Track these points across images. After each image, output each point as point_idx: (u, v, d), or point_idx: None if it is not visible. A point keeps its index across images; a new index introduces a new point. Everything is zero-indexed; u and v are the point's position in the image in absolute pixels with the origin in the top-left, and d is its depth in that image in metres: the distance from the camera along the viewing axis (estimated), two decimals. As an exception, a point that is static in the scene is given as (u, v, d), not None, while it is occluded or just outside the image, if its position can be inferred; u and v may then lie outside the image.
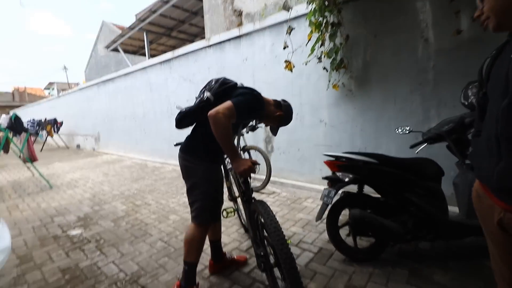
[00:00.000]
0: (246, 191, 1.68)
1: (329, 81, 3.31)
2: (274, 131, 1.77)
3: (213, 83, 1.63)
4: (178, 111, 1.67)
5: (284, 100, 1.73)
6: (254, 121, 2.00)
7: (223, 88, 1.58)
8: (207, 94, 1.57)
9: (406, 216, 1.89)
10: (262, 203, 1.50)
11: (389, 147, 3.11)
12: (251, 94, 1.53)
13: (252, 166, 1.44)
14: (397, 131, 2.27)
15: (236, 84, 1.65)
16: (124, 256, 2.25)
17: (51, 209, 3.55)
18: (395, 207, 1.93)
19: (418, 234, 1.87)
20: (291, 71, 3.24)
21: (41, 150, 10.97)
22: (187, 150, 1.63)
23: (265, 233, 1.53)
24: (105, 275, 1.98)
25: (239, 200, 2.55)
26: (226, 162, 2.24)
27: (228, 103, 1.40)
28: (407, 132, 2.22)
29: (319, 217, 1.97)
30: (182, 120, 1.64)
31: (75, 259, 2.23)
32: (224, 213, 2.08)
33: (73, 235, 2.70)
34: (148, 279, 1.90)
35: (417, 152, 2.13)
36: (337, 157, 2.03)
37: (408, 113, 2.95)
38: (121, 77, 7.98)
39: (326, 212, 2.01)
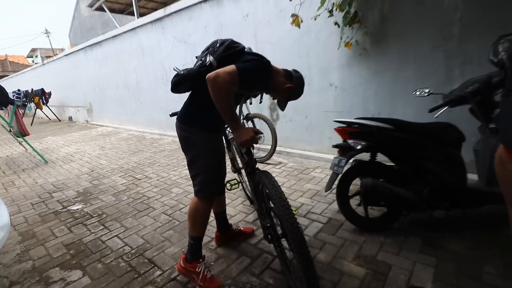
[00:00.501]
0: (250, 162, 1.70)
1: (341, 39, 3.18)
2: (282, 106, 1.71)
3: (217, 45, 1.56)
4: (174, 73, 1.63)
5: (295, 71, 1.66)
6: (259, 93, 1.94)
7: (228, 53, 1.52)
8: (209, 58, 1.52)
9: (421, 184, 1.92)
10: (265, 173, 1.52)
11: (405, 111, 3.07)
12: (259, 61, 1.47)
13: (255, 135, 1.43)
14: (415, 94, 2.23)
15: (244, 48, 1.58)
16: (128, 230, 2.36)
17: (48, 184, 3.68)
18: (410, 176, 1.95)
19: (434, 203, 1.91)
20: (299, 27, 3.10)
21: (31, 124, 11.08)
22: (185, 119, 1.61)
23: (271, 204, 1.59)
24: (110, 249, 2.10)
25: (243, 171, 2.60)
26: (227, 131, 2.25)
27: (230, 67, 1.35)
28: (426, 94, 2.17)
29: (328, 187, 2.00)
30: (179, 83, 1.60)
31: (79, 234, 2.35)
32: (228, 185, 2.12)
33: (74, 210, 2.82)
34: (154, 252, 2.02)
35: (436, 117, 2.10)
36: (348, 123, 2.02)
37: (429, 73, 2.87)
38: (109, 40, 7.77)
39: (336, 182, 2.04)
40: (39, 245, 2.23)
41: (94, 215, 2.68)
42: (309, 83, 3.81)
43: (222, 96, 1.34)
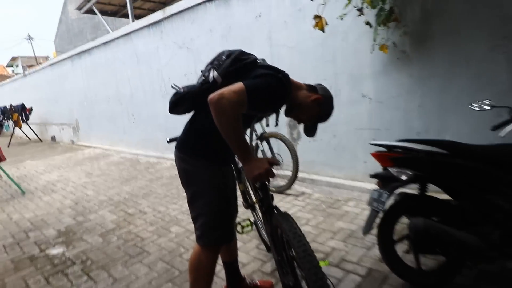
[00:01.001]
0: (265, 200, 1.66)
1: (374, 41, 3.15)
2: (311, 131, 1.67)
3: (224, 57, 1.55)
4: (174, 91, 1.63)
5: (319, 84, 1.64)
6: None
7: (236, 67, 1.49)
8: (213, 73, 1.51)
9: (489, 226, 1.81)
10: (285, 216, 1.47)
11: (460, 129, 2.99)
12: (274, 76, 1.43)
13: (270, 168, 1.37)
14: (472, 107, 2.15)
15: (255, 60, 1.55)
16: (117, 282, 2.31)
17: (24, 221, 3.71)
18: (473, 214, 1.85)
19: (506, 250, 1.78)
20: (323, 30, 3.11)
21: (8, 146, 11.46)
22: (184, 148, 1.60)
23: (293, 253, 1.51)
24: (94, 307, 2.05)
25: (257, 207, 2.53)
26: (237, 159, 2.22)
27: (237, 85, 1.31)
28: (487, 107, 2.08)
29: (367, 228, 1.93)
30: (178, 103, 1.60)
31: (58, 287, 2.31)
32: (239, 227, 2.08)
33: (54, 255, 2.81)
34: (148, 313, 1.95)
35: (504, 136, 2.00)
36: (389, 147, 1.98)
37: (487, 80, 2.81)
38: (99, 47, 8.07)
39: (377, 221, 1.96)
40: (10, 301, 2.21)
41: (77, 261, 2.65)
42: (336, 95, 3.77)
43: (227, 121, 1.29)
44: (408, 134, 3.26)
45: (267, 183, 1.67)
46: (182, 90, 1.59)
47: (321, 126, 4.32)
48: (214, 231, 1.58)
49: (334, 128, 3.88)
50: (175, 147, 1.64)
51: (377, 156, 2.00)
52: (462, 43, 2.89)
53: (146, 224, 3.28)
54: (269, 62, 4.54)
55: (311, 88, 1.61)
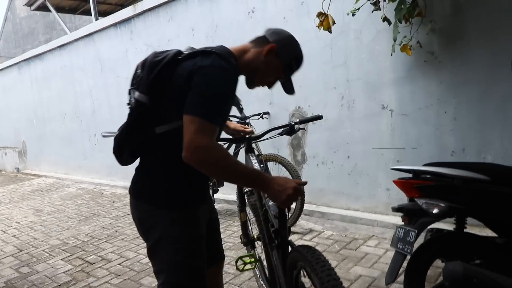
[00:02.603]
0: (281, 231, 1.70)
1: (395, 40, 3.21)
2: (288, 87, 1.71)
3: (138, 71, 1.54)
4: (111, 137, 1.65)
5: (268, 29, 1.68)
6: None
7: (155, 73, 1.44)
8: (135, 95, 1.50)
9: (546, 270, 1.81)
10: (310, 249, 1.48)
11: (506, 147, 3.02)
12: (212, 72, 1.39)
13: (297, 186, 1.43)
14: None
15: (176, 54, 1.48)
16: None
17: (-47, 274, 3.63)
18: (525, 255, 1.85)
19: None
20: (330, 31, 3.16)
21: None
22: (138, 194, 1.61)
23: None
24: None
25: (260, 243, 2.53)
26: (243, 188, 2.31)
27: (193, 122, 1.33)
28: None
29: (391, 276, 1.93)
30: (122, 151, 1.60)
31: None
32: (240, 262, 2.15)
33: (-10, 319, 2.75)
34: None
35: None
36: (416, 173, 2.00)
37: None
38: (54, 52, 8.16)
39: (404, 266, 1.95)
40: None
41: (19, 327, 2.59)
42: (349, 106, 3.82)
43: (219, 169, 1.38)
44: (440, 154, 3.28)
45: (286, 211, 1.71)
46: (113, 134, 1.62)
47: (330, 145, 4.36)
48: None
49: (347, 148, 3.91)
50: (130, 193, 1.64)
51: (401, 184, 2.02)
52: (504, 40, 2.95)
53: (110, 276, 3.23)
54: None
55: (258, 40, 1.63)
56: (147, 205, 1.57)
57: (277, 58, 1.59)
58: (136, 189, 1.62)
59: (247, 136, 2.21)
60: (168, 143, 1.49)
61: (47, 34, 17.26)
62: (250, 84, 1.69)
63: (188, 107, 1.35)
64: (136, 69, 1.55)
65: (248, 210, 2.40)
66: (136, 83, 1.53)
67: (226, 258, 3.25)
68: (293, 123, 2.24)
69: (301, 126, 2.24)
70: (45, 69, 8.53)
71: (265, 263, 2.35)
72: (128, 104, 1.57)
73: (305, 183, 1.52)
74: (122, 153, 1.60)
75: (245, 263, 2.15)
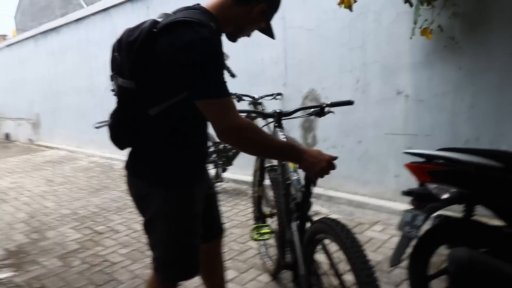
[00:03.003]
0: (304, 204, 1.75)
1: (415, 23, 3.17)
2: (269, 33, 1.70)
3: (116, 53, 1.49)
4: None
5: None
6: None
7: (134, 56, 1.37)
8: (119, 81, 1.45)
9: (553, 261, 1.79)
10: (339, 223, 1.53)
11: (521, 137, 2.98)
12: (204, 48, 1.32)
13: (332, 160, 1.50)
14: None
15: (151, 26, 1.37)
16: (76, 316, 2.32)
17: (-34, 237, 3.73)
18: (533, 245, 1.83)
19: None
20: (350, 9, 3.13)
21: (-48, 143, 11.56)
22: (135, 171, 1.62)
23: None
24: None
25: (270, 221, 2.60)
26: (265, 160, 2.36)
27: (211, 105, 1.35)
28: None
29: (396, 259, 1.93)
30: (118, 137, 1.61)
31: (2, 319, 2.33)
32: (256, 233, 2.22)
33: (0, 280, 2.81)
34: None
35: None
36: (429, 157, 1.99)
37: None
38: (70, 25, 8.19)
39: (408, 251, 1.96)
40: None
41: (27, 289, 2.66)
42: (364, 90, 3.80)
43: (252, 139, 1.40)
44: (454, 142, 3.27)
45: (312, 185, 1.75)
46: (106, 123, 1.61)
47: (341, 129, 4.36)
48: (172, 267, 1.61)
49: (359, 132, 3.90)
50: (126, 170, 1.65)
51: (413, 168, 2.00)
52: (526, 28, 2.90)
53: (118, 246, 3.28)
54: (279, 49, 4.64)
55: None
56: (144, 182, 1.57)
57: (263, 16, 1.56)
58: (133, 167, 1.62)
59: (276, 111, 2.19)
60: (163, 122, 1.49)
61: (64, 9, 17.30)
62: (233, 39, 1.66)
63: (196, 92, 1.34)
64: (113, 51, 1.51)
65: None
66: (116, 67, 1.49)
67: (230, 235, 3.34)
68: (325, 105, 2.21)
69: (332, 109, 2.19)
70: (61, 43, 8.57)
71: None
72: (113, 90, 1.54)
73: (337, 157, 1.53)
74: (120, 139, 1.60)
75: (260, 234, 2.20)
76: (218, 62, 1.38)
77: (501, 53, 3.03)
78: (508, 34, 2.97)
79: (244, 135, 1.37)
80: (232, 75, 3.89)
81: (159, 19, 1.41)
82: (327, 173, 1.49)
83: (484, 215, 1.96)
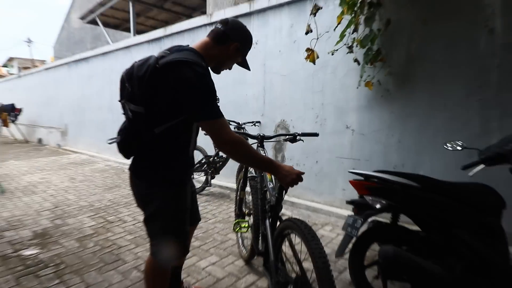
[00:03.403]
0: (276, 206, 1.80)
1: (361, 77, 3.29)
2: (245, 66, 1.77)
3: (127, 84, 1.49)
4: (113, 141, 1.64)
5: (222, 21, 1.62)
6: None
7: (145, 87, 1.41)
8: (131, 107, 1.48)
9: (453, 258, 1.86)
10: (303, 222, 1.59)
11: (434, 166, 3.08)
12: (202, 82, 1.37)
13: (300, 174, 1.55)
14: (445, 147, 2.24)
15: (155, 62, 1.40)
16: (89, 287, 2.26)
17: (1, 220, 3.60)
18: (439, 246, 1.90)
19: (469, 283, 1.83)
20: (314, 63, 3.23)
21: (-7, 143, 11.15)
22: (139, 174, 1.60)
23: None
24: (64, 311, 2.00)
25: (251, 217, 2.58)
26: (248, 171, 2.37)
27: (212, 126, 1.41)
28: (459, 148, 2.18)
29: (340, 251, 1.96)
30: (126, 151, 1.61)
31: (28, 288, 2.25)
32: (237, 226, 2.25)
33: (27, 256, 2.73)
34: (117, 320, 1.91)
35: (472, 176, 2.09)
36: (366, 176, 2.03)
37: (462, 124, 2.93)
38: (98, 57, 8.11)
39: (350, 246, 2.00)
40: (-24, 299, 2.13)
41: (50, 265, 2.58)
42: (322, 124, 3.88)
43: (241, 151, 1.44)
44: (386, 166, 3.34)
45: (284, 193, 1.79)
46: (119, 139, 1.61)
47: (304, 152, 4.37)
48: (169, 250, 1.61)
49: (316, 155, 3.95)
50: (131, 171, 1.63)
51: (355, 184, 2.05)
52: (441, 87, 3.02)
53: (125, 233, 3.24)
54: (260, 88, 4.72)
55: (219, 37, 1.57)
56: (146, 184, 1.57)
57: (238, 52, 1.63)
58: (137, 171, 1.60)
59: (260, 135, 2.23)
60: (165, 138, 1.50)
61: (94, 43, 17.08)
62: (217, 72, 1.69)
63: (201, 115, 1.39)
64: (123, 82, 1.51)
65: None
66: (127, 95, 1.49)
67: (214, 228, 3.34)
68: (297, 134, 2.21)
69: (302, 138, 2.21)
70: (89, 70, 8.45)
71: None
72: (124, 114, 1.56)
73: (304, 173, 1.58)
74: (127, 151, 1.60)
75: (240, 227, 2.23)
76: (212, 92, 1.41)
77: (422, 103, 3.14)
78: (428, 90, 3.09)
79: (237, 147, 1.42)
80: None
81: (159, 56, 1.44)
82: (296, 183, 1.54)
83: (406, 222, 2.01)
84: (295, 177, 1.52)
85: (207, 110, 1.38)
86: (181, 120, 1.47)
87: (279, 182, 1.59)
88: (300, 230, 1.51)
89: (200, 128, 1.59)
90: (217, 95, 1.46)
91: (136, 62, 1.50)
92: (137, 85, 1.42)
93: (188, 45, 1.54)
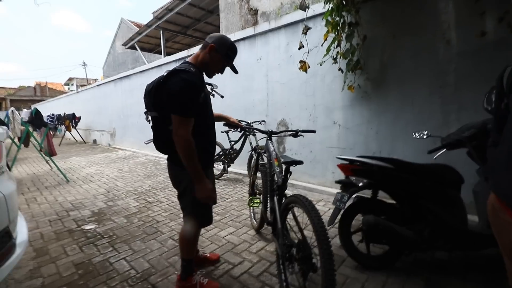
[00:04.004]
0: (283, 186, 1.78)
1: (344, 82, 3.23)
2: (233, 69, 1.70)
3: (145, 99, 1.56)
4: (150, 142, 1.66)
5: (209, 35, 1.61)
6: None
7: (153, 98, 1.49)
8: (151, 114, 1.55)
9: (422, 224, 1.83)
10: (304, 197, 1.55)
11: (405, 151, 3.02)
12: (178, 83, 1.38)
13: (214, 197, 1.54)
14: (414, 136, 2.20)
15: (159, 79, 1.45)
16: (135, 253, 2.28)
17: (67, 203, 3.65)
18: (411, 215, 1.87)
19: (435, 243, 1.80)
20: (306, 72, 3.18)
21: (59, 144, 11.32)
22: (174, 161, 1.61)
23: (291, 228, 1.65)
24: (116, 271, 2.01)
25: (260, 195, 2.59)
26: (260, 159, 2.37)
27: (175, 120, 1.39)
28: (425, 136, 2.14)
29: (331, 221, 1.93)
30: (161, 146, 1.60)
31: (89, 254, 2.28)
32: (251, 202, 2.28)
33: (87, 230, 2.76)
34: (158, 278, 1.92)
35: (435, 158, 2.05)
36: (351, 161, 2.00)
37: (427, 117, 2.86)
38: (137, 74, 8.12)
39: (339, 217, 1.97)
40: (50, 263, 2.16)
41: (105, 236, 2.61)
42: (314, 121, 3.83)
43: (183, 150, 1.40)
44: (366, 152, 3.30)
45: (288, 174, 1.77)
46: (153, 139, 1.64)
47: (301, 143, 4.31)
48: (198, 218, 1.64)
49: (311, 146, 3.91)
50: (168, 159, 1.66)
51: (341, 167, 2.02)
52: (408, 88, 2.96)
53: (161, 211, 3.25)
54: (264, 94, 4.65)
55: (203, 46, 1.58)
56: (178, 167, 1.57)
57: (217, 53, 1.55)
58: (172, 158, 1.61)
59: (269, 131, 2.19)
60: None
61: (133, 64, 17.13)
62: (209, 75, 1.63)
63: (170, 109, 1.40)
64: (144, 98, 1.57)
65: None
66: (147, 106, 1.56)
67: (231, 205, 3.34)
68: (298, 131, 2.18)
69: (302, 134, 2.17)
70: (131, 85, 8.48)
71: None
72: (148, 120, 1.61)
73: (215, 200, 1.63)
74: (161, 148, 1.61)
75: (254, 202, 2.25)
76: (187, 93, 1.39)
77: (394, 101, 3.08)
78: (398, 91, 3.03)
79: (185, 144, 1.38)
80: (221, 96, 3.69)
81: (165, 72, 1.47)
82: (206, 202, 1.52)
83: (383, 197, 1.98)
84: (204, 197, 1.47)
85: (175, 107, 1.38)
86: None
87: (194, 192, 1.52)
88: (303, 203, 1.48)
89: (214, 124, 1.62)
90: (202, 96, 1.44)
91: (152, 81, 1.57)
92: (149, 96, 1.51)
93: (186, 58, 1.61)
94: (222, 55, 1.57)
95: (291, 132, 2.20)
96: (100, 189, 4.32)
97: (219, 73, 1.68)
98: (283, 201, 1.75)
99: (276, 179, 1.90)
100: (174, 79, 1.40)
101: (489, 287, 1.68)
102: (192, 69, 1.46)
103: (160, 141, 1.60)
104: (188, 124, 1.39)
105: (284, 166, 1.78)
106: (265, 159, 2.32)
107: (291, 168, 1.78)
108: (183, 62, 1.54)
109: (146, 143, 1.67)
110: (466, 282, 1.74)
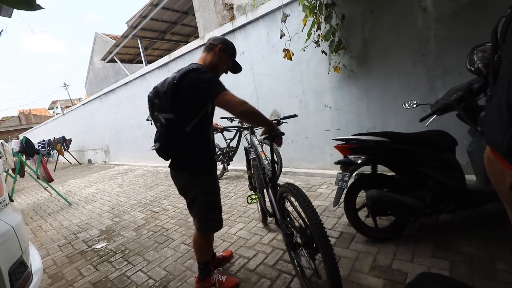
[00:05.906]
0: (273, 177, 1.81)
1: (330, 64, 3.27)
2: (237, 68, 1.75)
3: (156, 100, 1.50)
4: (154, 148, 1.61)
5: (209, 39, 1.66)
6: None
7: (171, 97, 1.45)
8: (163, 115, 1.48)
9: (423, 190, 1.89)
10: (292, 184, 1.57)
11: (398, 123, 3.07)
12: (206, 75, 1.43)
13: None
14: (404, 106, 2.24)
15: (173, 79, 1.45)
16: (150, 263, 2.31)
17: (73, 226, 3.65)
18: (411, 183, 1.92)
19: (438, 207, 1.86)
20: (291, 59, 3.20)
21: (54, 170, 11.22)
22: (178, 167, 1.61)
23: (291, 215, 1.67)
24: (135, 284, 2.05)
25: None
26: (250, 154, 2.37)
27: (223, 98, 1.39)
28: (415, 106, 2.18)
29: (336, 202, 1.97)
30: (166, 153, 1.58)
31: (104, 272, 2.30)
32: (249, 199, 2.25)
33: (99, 249, 2.78)
34: (177, 283, 1.96)
35: (427, 125, 2.10)
36: (346, 140, 2.03)
37: (414, 87, 2.91)
38: (121, 87, 8.05)
39: (343, 196, 2.01)
40: (68, 286, 2.18)
41: (117, 252, 2.63)
42: (305, 106, 3.87)
43: (251, 112, 1.44)
44: (360, 130, 3.34)
45: (276, 166, 1.81)
46: (159, 144, 1.56)
47: (295, 131, 4.36)
48: (208, 224, 1.66)
49: (306, 132, 3.95)
50: (170, 167, 1.63)
51: (338, 148, 2.05)
52: (392, 61, 3.00)
53: (169, 218, 3.27)
54: (252, 87, 4.70)
55: (209, 48, 1.62)
56: (185, 175, 1.58)
57: (225, 53, 1.61)
58: (177, 165, 1.61)
59: (249, 125, 2.24)
60: (194, 134, 1.51)
61: (116, 77, 16.91)
62: (216, 75, 1.65)
63: (214, 93, 1.39)
64: (152, 100, 1.53)
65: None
66: (158, 108, 1.51)
67: (237, 202, 3.38)
68: (280, 118, 2.27)
69: (285, 120, 2.26)
70: (117, 99, 8.41)
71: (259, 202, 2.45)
72: (157, 124, 1.55)
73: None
74: (166, 153, 1.58)
75: (252, 199, 2.25)
76: (216, 78, 1.45)
77: (380, 76, 3.12)
78: (383, 65, 3.07)
79: (248, 106, 1.42)
80: None
81: (173, 76, 1.48)
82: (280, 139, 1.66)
83: (383, 170, 2.02)
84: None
85: (214, 89, 1.40)
86: (202, 116, 1.50)
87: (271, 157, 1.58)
88: (291, 191, 1.49)
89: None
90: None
91: (158, 84, 1.55)
92: (164, 97, 1.47)
93: (193, 62, 1.59)
94: (229, 55, 1.63)
95: (274, 121, 2.22)
96: (104, 207, 4.32)
97: (225, 74, 1.72)
98: (277, 191, 1.76)
99: (266, 171, 1.93)
100: (193, 74, 1.42)
101: (493, 240, 1.75)
102: (203, 68, 1.49)
103: (168, 146, 1.54)
104: (233, 94, 1.41)
105: (269, 158, 1.81)
106: (253, 154, 2.35)
107: (290, 155, 1.81)
108: (192, 64, 1.53)
109: (152, 149, 1.67)
110: (472, 238, 1.81)
